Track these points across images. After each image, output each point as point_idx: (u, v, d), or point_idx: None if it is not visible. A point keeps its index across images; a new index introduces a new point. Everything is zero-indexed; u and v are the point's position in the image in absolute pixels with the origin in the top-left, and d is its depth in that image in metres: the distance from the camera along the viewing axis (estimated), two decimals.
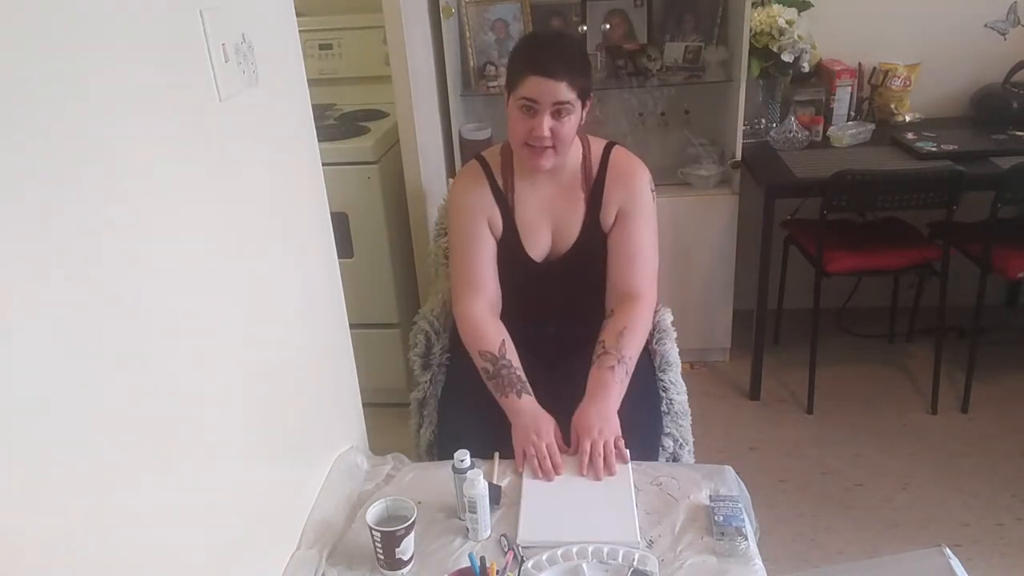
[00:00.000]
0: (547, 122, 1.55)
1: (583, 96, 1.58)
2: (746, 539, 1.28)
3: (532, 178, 1.71)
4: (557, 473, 1.45)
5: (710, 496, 1.39)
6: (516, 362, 1.62)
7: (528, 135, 1.58)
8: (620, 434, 1.49)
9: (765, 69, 2.70)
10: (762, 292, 2.65)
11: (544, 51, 1.57)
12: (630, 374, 1.59)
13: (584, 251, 1.71)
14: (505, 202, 1.71)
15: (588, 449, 1.45)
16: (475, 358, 1.65)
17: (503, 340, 1.64)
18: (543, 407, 1.70)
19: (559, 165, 1.66)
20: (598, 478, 1.43)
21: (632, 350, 1.61)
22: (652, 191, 1.72)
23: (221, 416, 1.11)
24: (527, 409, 1.55)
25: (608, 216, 1.70)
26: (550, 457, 1.46)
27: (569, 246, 1.72)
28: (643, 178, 1.71)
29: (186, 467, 1.02)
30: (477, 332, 1.66)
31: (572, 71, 1.54)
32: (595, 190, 1.70)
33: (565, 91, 1.53)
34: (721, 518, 1.32)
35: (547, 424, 1.52)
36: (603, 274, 1.72)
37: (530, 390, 1.58)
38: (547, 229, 1.72)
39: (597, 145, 1.74)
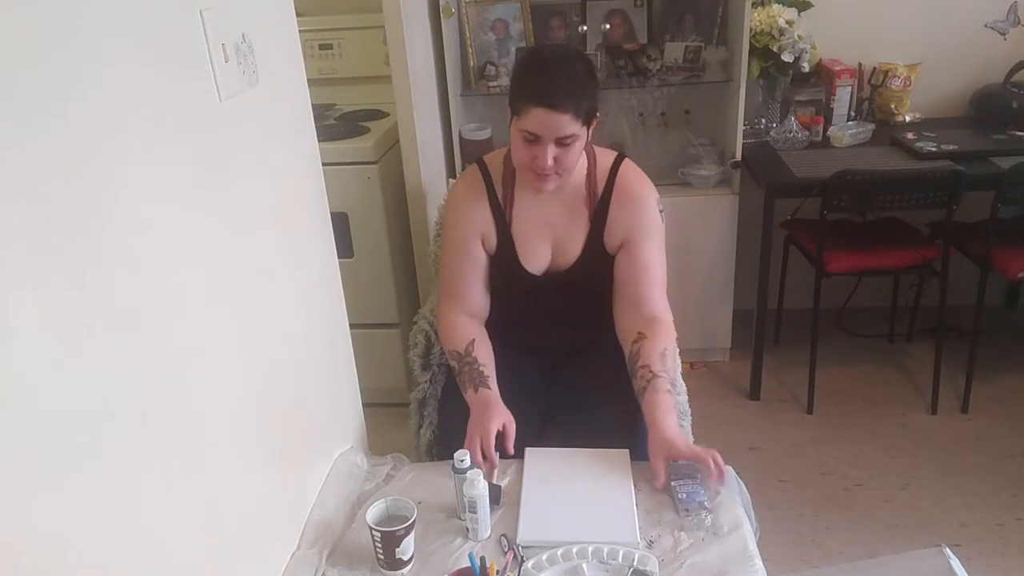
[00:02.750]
0: (551, 151, 1.50)
1: (588, 120, 1.52)
2: (711, 512, 1.33)
3: (533, 191, 1.67)
4: (489, 466, 1.45)
5: (671, 475, 1.42)
6: (483, 358, 1.60)
7: (531, 162, 1.53)
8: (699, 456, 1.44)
9: (765, 69, 2.70)
10: (762, 292, 2.65)
11: (549, 78, 1.48)
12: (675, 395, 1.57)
13: (586, 268, 1.67)
14: (502, 215, 1.68)
15: (707, 457, 1.39)
16: (448, 358, 1.67)
17: (472, 340, 1.62)
18: (543, 414, 1.70)
19: (555, 189, 1.62)
20: (722, 479, 1.38)
21: (676, 371, 1.59)
22: (661, 211, 1.67)
23: (221, 416, 1.12)
24: (478, 403, 1.54)
25: (613, 238, 1.65)
26: (483, 451, 1.45)
27: (571, 263, 1.68)
28: (650, 199, 1.65)
29: (186, 467, 1.02)
30: (448, 333, 1.67)
31: (577, 100, 1.46)
32: (599, 209, 1.65)
33: (569, 124, 1.47)
34: (684, 495, 1.37)
35: (493, 419, 1.49)
36: (605, 289, 1.69)
37: (489, 384, 1.57)
38: (546, 244, 1.69)
39: (604, 159, 1.67)
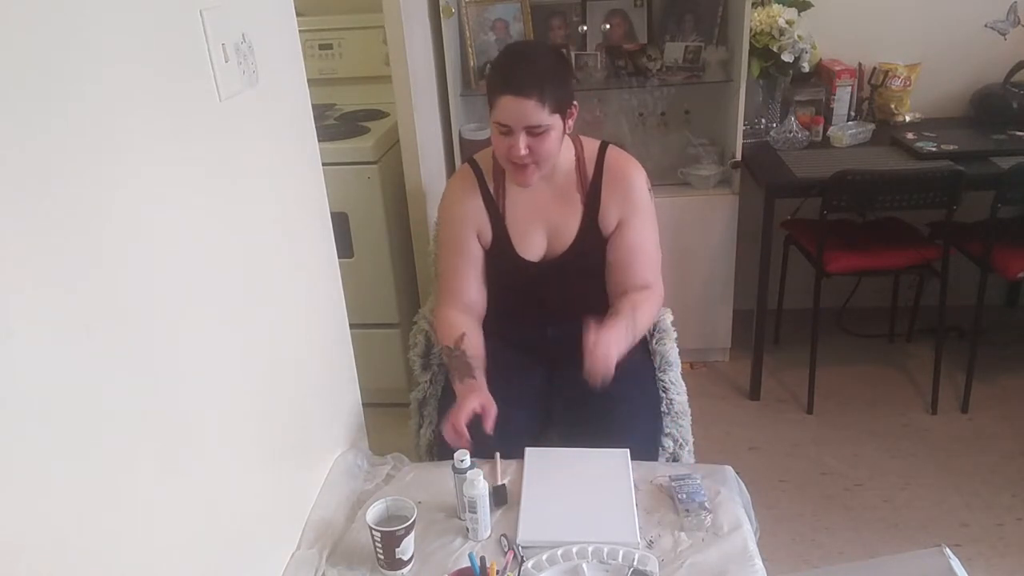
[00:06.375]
0: (523, 141, 1.53)
1: (561, 108, 1.54)
2: (710, 512, 1.34)
3: (516, 185, 1.69)
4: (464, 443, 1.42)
5: (670, 476, 1.43)
6: (472, 351, 1.59)
7: (508, 153, 1.56)
8: (613, 373, 1.46)
9: (765, 69, 2.70)
10: (762, 292, 2.65)
11: (514, 67, 1.54)
12: (635, 341, 1.58)
13: (581, 252, 1.70)
14: (496, 208, 1.71)
15: (597, 354, 1.43)
16: (442, 354, 1.67)
17: (463, 334, 1.62)
18: (543, 414, 1.70)
19: (546, 176, 1.65)
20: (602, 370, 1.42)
21: (643, 324, 1.59)
22: (649, 190, 1.72)
23: (221, 416, 1.12)
24: (462, 391, 1.53)
25: (608, 220, 1.69)
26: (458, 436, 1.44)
27: (566, 247, 1.71)
28: (640, 179, 1.70)
29: (186, 467, 1.02)
30: (442, 330, 1.67)
31: (541, 86, 1.49)
32: (592, 192, 1.69)
33: (535, 111, 1.49)
34: (684, 495, 1.37)
35: (469, 399, 1.47)
36: (601, 274, 1.72)
37: (475, 374, 1.55)
38: (541, 231, 1.71)
39: (591, 145, 1.72)
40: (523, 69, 1.53)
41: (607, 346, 1.45)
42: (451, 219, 1.75)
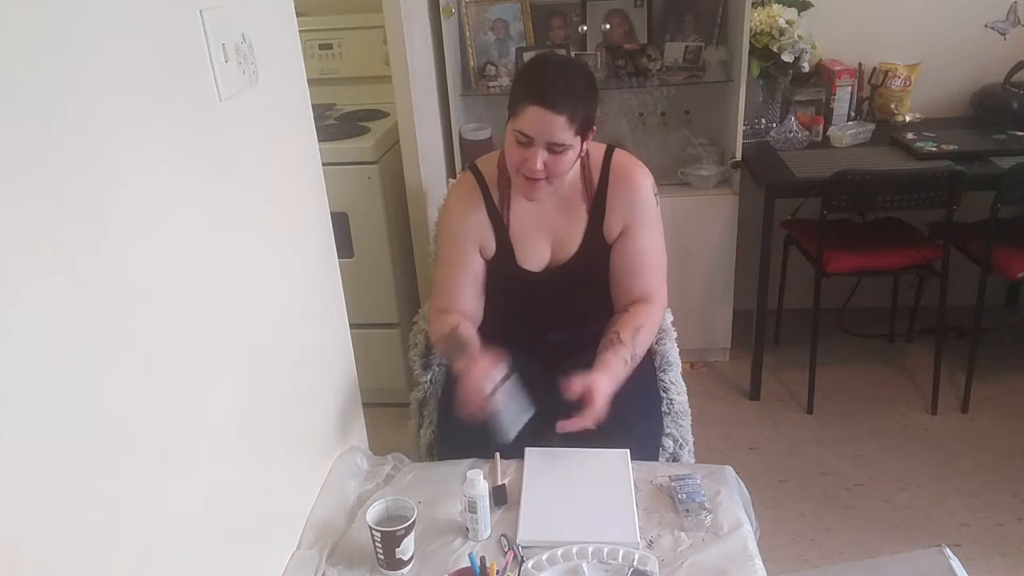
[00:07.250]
0: (541, 155, 1.49)
1: (584, 130, 1.51)
2: (711, 512, 1.34)
3: (524, 198, 1.67)
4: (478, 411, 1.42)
5: (670, 476, 1.43)
6: (467, 335, 1.57)
7: (522, 164, 1.53)
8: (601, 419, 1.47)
9: (765, 69, 2.70)
10: (762, 292, 2.65)
11: (549, 80, 1.49)
12: (635, 365, 1.59)
13: (586, 261, 1.68)
14: (500, 219, 1.68)
15: (590, 407, 1.43)
16: (435, 349, 1.65)
17: (458, 323, 1.59)
18: (542, 411, 1.70)
19: (555, 192, 1.62)
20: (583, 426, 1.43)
21: (643, 349, 1.60)
22: (655, 195, 1.69)
23: (221, 416, 1.12)
24: (464, 366, 1.49)
25: (612, 226, 1.66)
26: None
27: (569, 256, 1.68)
28: (646, 185, 1.66)
29: (186, 467, 1.02)
30: (435, 326, 1.64)
31: (574, 104, 1.46)
32: (597, 200, 1.66)
33: (562, 129, 1.46)
34: (684, 495, 1.37)
35: (476, 374, 1.44)
36: (604, 280, 1.70)
37: (475, 350, 1.51)
38: (545, 241, 1.69)
39: (596, 151, 1.68)
40: (560, 84, 1.48)
41: (598, 394, 1.44)
42: (452, 231, 1.70)
